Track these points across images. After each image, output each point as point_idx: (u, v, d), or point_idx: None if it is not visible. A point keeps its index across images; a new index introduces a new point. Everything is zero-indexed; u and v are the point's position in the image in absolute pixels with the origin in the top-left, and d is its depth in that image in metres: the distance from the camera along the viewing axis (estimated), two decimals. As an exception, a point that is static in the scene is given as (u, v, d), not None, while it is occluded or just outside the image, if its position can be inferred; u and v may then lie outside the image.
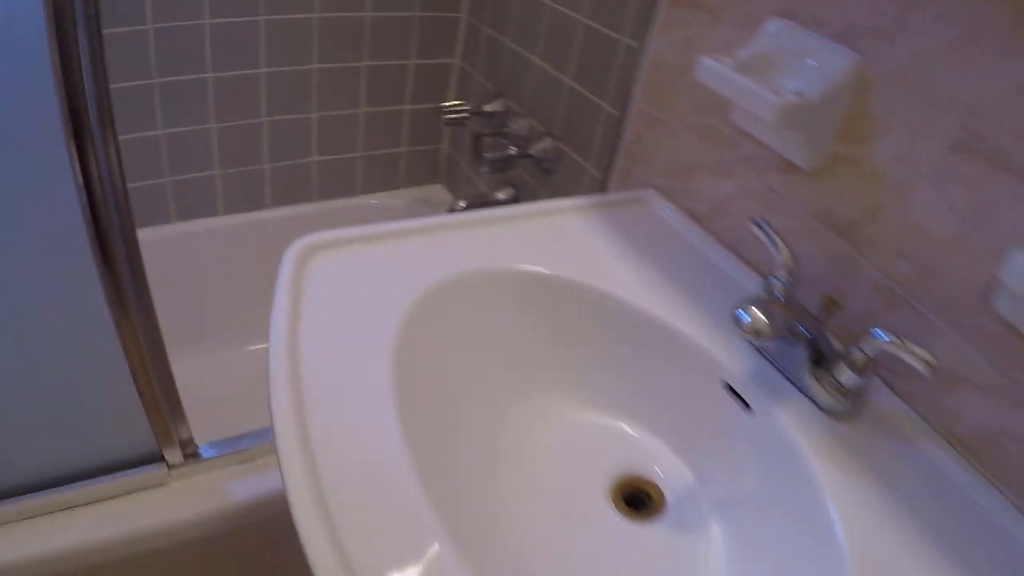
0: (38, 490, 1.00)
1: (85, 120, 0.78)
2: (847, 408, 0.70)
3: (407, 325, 0.70)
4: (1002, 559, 0.60)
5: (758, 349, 0.75)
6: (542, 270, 0.79)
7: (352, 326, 0.68)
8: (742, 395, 0.72)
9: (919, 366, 0.62)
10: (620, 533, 0.71)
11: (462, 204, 1.27)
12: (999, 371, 0.65)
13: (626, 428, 0.80)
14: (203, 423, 1.13)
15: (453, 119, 1.30)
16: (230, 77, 1.38)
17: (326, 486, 0.55)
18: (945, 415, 0.70)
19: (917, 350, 0.62)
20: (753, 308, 0.65)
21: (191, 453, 1.09)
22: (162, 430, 1.04)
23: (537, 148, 1.20)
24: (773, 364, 0.74)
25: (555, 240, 0.84)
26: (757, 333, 0.64)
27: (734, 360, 0.73)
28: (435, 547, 0.52)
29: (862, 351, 0.67)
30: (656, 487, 0.75)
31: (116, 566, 1.06)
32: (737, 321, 0.65)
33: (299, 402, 0.61)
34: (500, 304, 0.78)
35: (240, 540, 1.15)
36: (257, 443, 1.13)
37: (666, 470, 0.76)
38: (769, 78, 0.75)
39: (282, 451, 0.56)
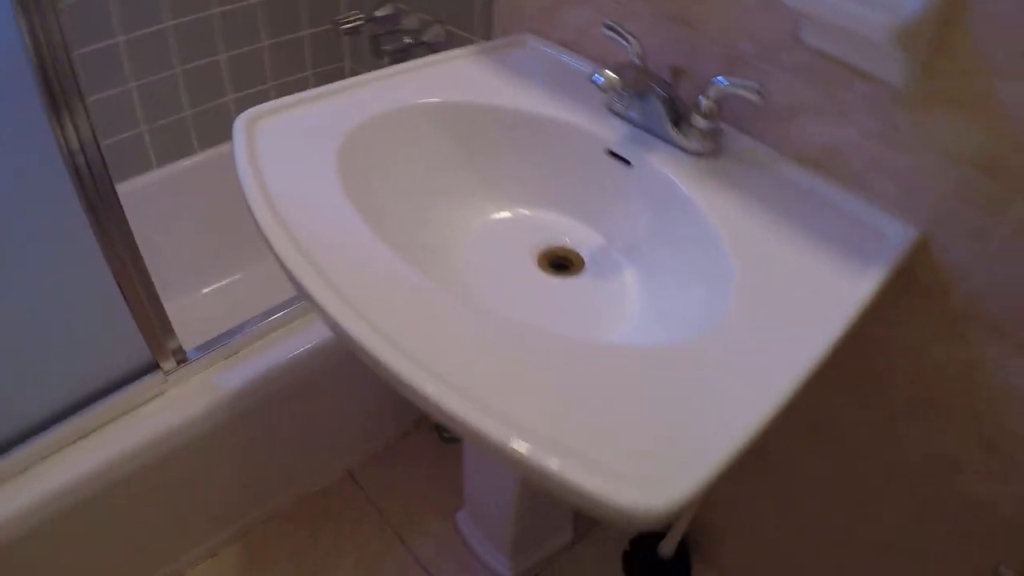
0: (52, 421, 1.11)
1: (56, 84, 0.90)
2: (708, 149, 0.87)
3: (344, 155, 0.84)
4: (854, 236, 0.78)
5: (627, 119, 0.92)
6: (440, 99, 0.95)
7: (298, 162, 0.83)
8: (622, 156, 0.88)
9: (751, 96, 0.79)
10: (552, 288, 0.87)
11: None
12: (823, 94, 0.82)
13: (539, 213, 0.96)
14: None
15: (350, 28, 1.43)
16: (139, 36, 1.47)
17: (317, 261, 0.70)
18: (791, 142, 0.87)
19: (746, 83, 0.80)
20: (606, 70, 0.81)
21: (181, 359, 1.21)
22: (154, 341, 1.16)
23: (429, 35, 1.35)
24: (642, 128, 0.90)
25: (450, 79, 0.99)
26: (611, 85, 0.80)
27: (611, 132, 0.90)
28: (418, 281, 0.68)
29: (708, 98, 0.84)
30: (574, 252, 0.92)
31: (139, 477, 1.18)
32: (594, 83, 0.81)
33: (276, 213, 0.75)
34: (413, 131, 0.93)
35: (240, 426, 1.28)
36: (238, 337, 1.26)
37: (579, 237, 0.93)
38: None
39: (274, 243, 0.71)
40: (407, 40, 1.37)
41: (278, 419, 1.35)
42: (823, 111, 0.83)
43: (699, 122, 0.85)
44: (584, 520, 1.47)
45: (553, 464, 0.53)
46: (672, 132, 0.86)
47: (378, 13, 1.42)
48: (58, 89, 0.90)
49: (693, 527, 1.39)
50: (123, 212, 1.05)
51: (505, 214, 0.96)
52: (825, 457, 1.07)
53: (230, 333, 1.26)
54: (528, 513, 1.26)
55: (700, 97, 0.84)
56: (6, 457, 1.07)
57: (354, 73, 1.77)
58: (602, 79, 0.79)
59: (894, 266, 0.75)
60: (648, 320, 0.80)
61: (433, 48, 1.35)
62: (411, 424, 1.67)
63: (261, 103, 0.90)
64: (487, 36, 1.24)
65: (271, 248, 0.72)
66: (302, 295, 0.68)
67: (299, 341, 1.29)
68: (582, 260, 0.91)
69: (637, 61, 0.87)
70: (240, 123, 0.88)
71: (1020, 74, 0.67)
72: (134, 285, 1.10)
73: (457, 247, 0.91)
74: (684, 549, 1.42)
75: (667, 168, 0.85)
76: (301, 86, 1.71)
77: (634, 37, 0.88)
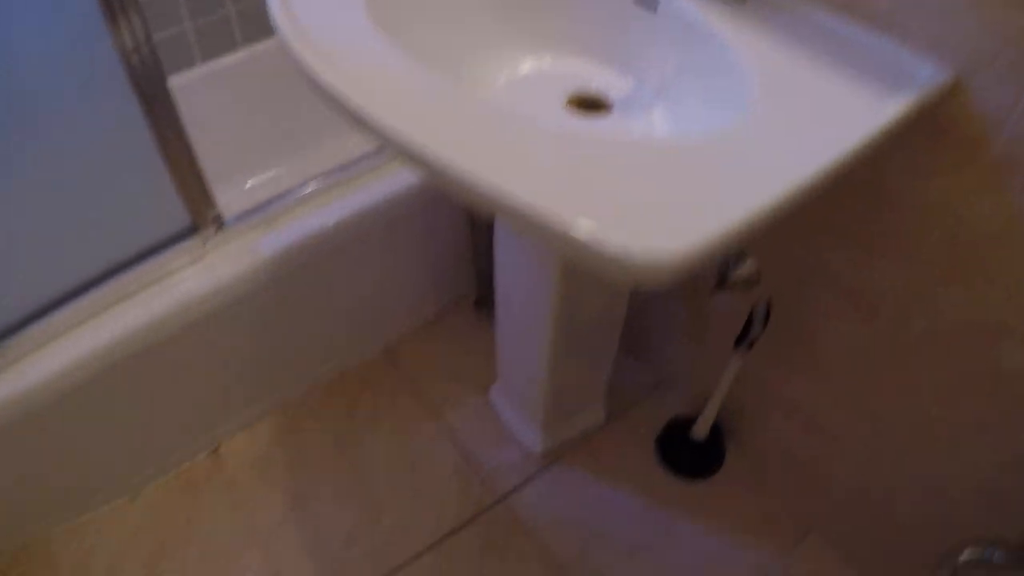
0: (95, 283, 1.17)
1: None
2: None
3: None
4: (882, 73, 0.76)
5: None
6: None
7: (330, 6, 0.84)
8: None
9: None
10: (581, 124, 0.88)
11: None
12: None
13: (567, 59, 0.96)
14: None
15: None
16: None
17: (363, 87, 0.73)
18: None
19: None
20: None
21: (219, 226, 1.25)
22: (194, 207, 1.20)
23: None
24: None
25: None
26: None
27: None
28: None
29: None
30: (603, 95, 0.92)
31: (177, 341, 1.23)
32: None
33: (314, 48, 0.77)
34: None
35: (278, 293, 1.32)
36: (276, 205, 1.29)
37: (607, 81, 0.93)
38: None
39: (319, 79, 0.73)
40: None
41: (316, 288, 1.38)
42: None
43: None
44: (617, 401, 1.49)
45: (587, 230, 0.56)
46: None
47: None
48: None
49: (725, 410, 1.40)
50: (171, 99, 1.10)
51: (534, 61, 0.96)
52: (860, 329, 1.06)
53: (268, 202, 1.29)
54: (560, 387, 1.29)
55: (730, -65, 0.84)
56: (49, 318, 1.13)
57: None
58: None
59: (922, 101, 0.73)
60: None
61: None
62: (450, 302, 1.70)
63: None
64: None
65: (315, 82, 0.74)
66: (355, 120, 0.70)
67: (337, 209, 1.31)
68: (610, 103, 0.91)
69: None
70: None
71: None
72: (178, 156, 1.14)
73: (486, 90, 0.92)
74: (717, 432, 1.44)
75: (694, 7, 0.84)
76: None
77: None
